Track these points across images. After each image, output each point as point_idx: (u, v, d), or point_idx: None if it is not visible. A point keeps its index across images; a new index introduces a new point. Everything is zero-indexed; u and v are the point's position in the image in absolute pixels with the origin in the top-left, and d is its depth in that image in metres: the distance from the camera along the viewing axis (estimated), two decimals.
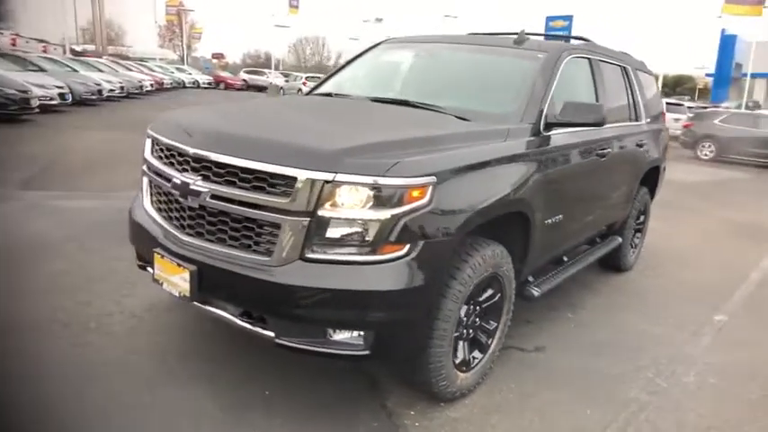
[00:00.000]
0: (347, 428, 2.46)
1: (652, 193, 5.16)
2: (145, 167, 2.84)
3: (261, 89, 37.90)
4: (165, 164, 2.61)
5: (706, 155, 15.80)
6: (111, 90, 18.23)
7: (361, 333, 2.22)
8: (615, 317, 3.99)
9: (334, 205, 2.14)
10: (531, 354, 3.30)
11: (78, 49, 35.18)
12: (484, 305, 2.74)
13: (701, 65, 53.06)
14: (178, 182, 2.42)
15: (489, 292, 2.75)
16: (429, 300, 2.31)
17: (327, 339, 2.25)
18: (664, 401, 2.92)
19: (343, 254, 2.18)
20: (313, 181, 2.12)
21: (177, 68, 35.77)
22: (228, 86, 37.50)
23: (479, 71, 3.51)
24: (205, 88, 34.85)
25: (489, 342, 2.84)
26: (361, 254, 2.17)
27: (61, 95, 13.88)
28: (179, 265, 2.39)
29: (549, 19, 34.81)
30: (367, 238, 2.16)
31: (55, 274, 3.79)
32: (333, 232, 2.16)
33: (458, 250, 2.44)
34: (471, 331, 2.71)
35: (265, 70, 42.65)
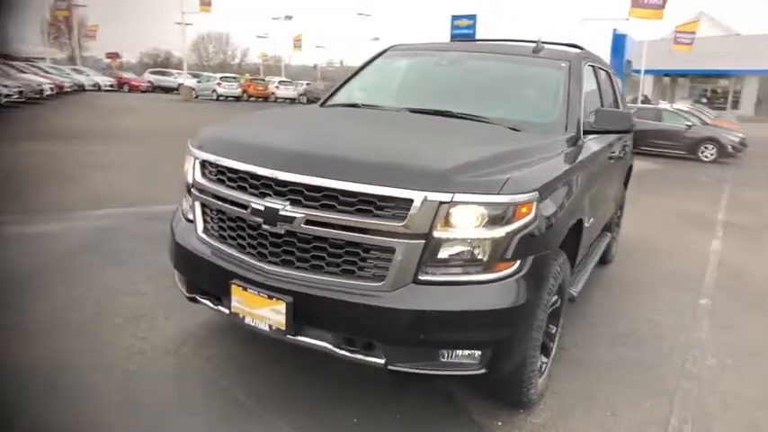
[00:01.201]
0: None
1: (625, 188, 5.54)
2: (196, 192, 2.62)
3: (168, 90, 36.02)
4: (231, 188, 2.42)
5: None
6: (9, 95, 16.50)
7: (476, 352, 2.20)
8: (621, 307, 4.24)
9: (448, 225, 2.11)
10: (570, 351, 3.43)
11: None
12: (549, 311, 2.81)
13: None
14: (261, 208, 2.26)
15: (555, 297, 2.82)
16: (535, 312, 2.34)
17: (440, 361, 2.21)
18: (702, 386, 3.15)
19: (457, 274, 2.16)
20: (429, 202, 2.07)
21: (74, 69, 32.99)
22: (133, 88, 35.25)
23: (508, 80, 3.58)
24: (107, 91, 32.51)
25: (551, 346, 2.93)
26: (474, 273, 2.16)
27: None
28: (270, 297, 2.24)
29: (455, 18, 35.74)
30: (481, 257, 2.15)
31: (53, 312, 3.39)
32: (446, 253, 2.14)
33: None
34: (541, 337, 2.78)
35: (173, 71, 40.50)
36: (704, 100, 36.74)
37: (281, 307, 2.22)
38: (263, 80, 38.06)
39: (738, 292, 4.85)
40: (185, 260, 2.67)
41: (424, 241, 2.10)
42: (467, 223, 2.11)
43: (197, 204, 2.63)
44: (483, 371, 2.21)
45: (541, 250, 2.29)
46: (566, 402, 2.86)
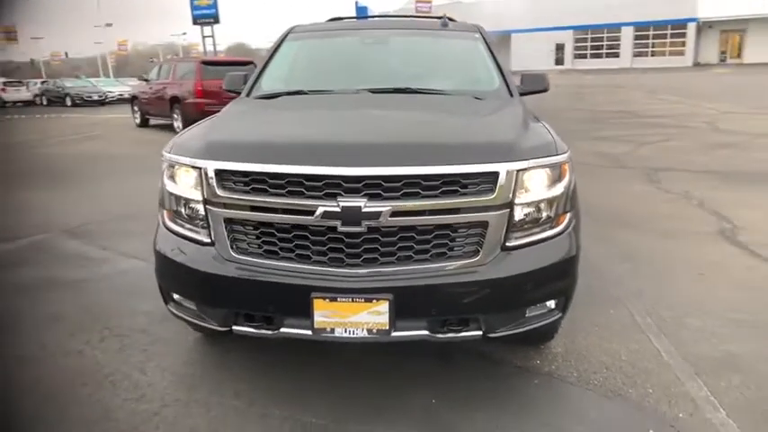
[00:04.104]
0: (518, 394, 2.63)
1: None
2: (214, 208, 2.26)
3: None
4: (280, 195, 2.16)
5: None
6: None
7: (553, 301, 2.41)
8: None
9: (525, 190, 2.25)
10: None
11: None
12: None
13: None
14: (337, 209, 2.09)
15: None
16: None
17: (526, 317, 2.36)
18: (630, 288, 3.87)
19: (534, 234, 2.32)
20: (511, 172, 2.18)
21: None
22: None
23: (437, 53, 3.73)
24: None
25: None
26: (545, 230, 2.35)
27: None
28: (368, 300, 2.12)
29: None
30: (549, 214, 2.35)
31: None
32: (524, 216, 2.28)
33: None
34: None
35: None
36: None
37: (383, 307, 2.12)
38: None
39: (591, 214, 5.92)
40: (217, 289, 2.29)
41: (508, 210, 2.21)
42: (538, 185, 2.29)
43: (219, 222, 2.27)
44: (560, 315, 2.45)
45: (577, 201, 2.59)
46: (564, 331, 3.27)
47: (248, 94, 3.47)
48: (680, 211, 5.87)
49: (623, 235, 5.12)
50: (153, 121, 16.20)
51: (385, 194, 2.11)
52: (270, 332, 2.27)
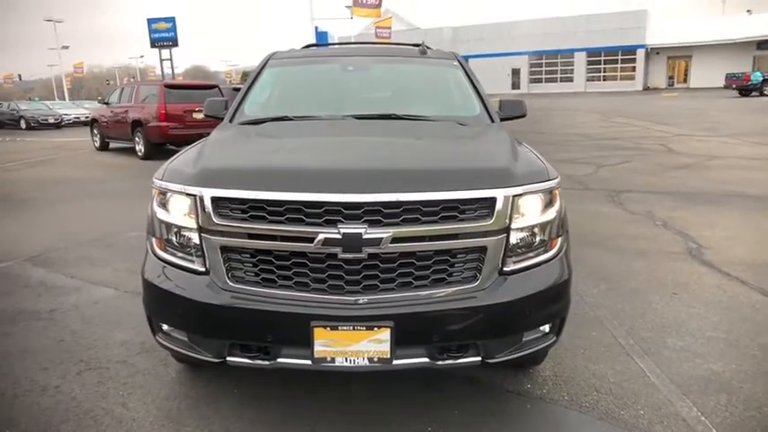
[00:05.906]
0: (514, 420, 2.63)
1: None
2: (210, 236, 2.21)
3: None
4: (278, 222, 2.14)
5: None
6: None
7: (548, 325, 2.44)
8: None
9: (521, 215, 2.29)
10: None
11: None
12: None
13: None
14: (338, 236, 2.08)
15: None
16: None
17: (522, 342, 2.38)
18: (607, 310, 3.97)
19: (528, 258, 2.35)
20: (507, 197, 2.22)
21: None
22: None
23: (419, 80, 3.79)
24: None
25: None
26: (540, 254, 2.39)
27: None
28: (369, 327, 2.10)
29: (152, 21, 33.55)
30: (542, 238, 2.39)
31: None
32: (519, 241, 2.32)
33: None
34: None
35: None
36: None
37: (384, 335, 2.10)
38: None
39: None
40: (212, 320, 2.23)
41: (505, 235, 2.24)
42: (532, 210, 2.33)
43: (215, 250, 2.21)
44: (554, 339, 2.47)
45: (566, 224, 2.64)
46: (550, 354, 3.29)
47: (231, 120, 3.44)
48: (646, 232, 6.06)
49: (596, 256, 5.23)
50: (113, 145, 15.80)
51: (385, 221, 2.11)
52: (267, 363, 2.22)
